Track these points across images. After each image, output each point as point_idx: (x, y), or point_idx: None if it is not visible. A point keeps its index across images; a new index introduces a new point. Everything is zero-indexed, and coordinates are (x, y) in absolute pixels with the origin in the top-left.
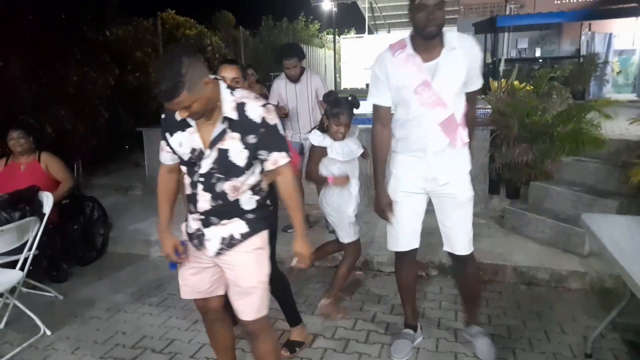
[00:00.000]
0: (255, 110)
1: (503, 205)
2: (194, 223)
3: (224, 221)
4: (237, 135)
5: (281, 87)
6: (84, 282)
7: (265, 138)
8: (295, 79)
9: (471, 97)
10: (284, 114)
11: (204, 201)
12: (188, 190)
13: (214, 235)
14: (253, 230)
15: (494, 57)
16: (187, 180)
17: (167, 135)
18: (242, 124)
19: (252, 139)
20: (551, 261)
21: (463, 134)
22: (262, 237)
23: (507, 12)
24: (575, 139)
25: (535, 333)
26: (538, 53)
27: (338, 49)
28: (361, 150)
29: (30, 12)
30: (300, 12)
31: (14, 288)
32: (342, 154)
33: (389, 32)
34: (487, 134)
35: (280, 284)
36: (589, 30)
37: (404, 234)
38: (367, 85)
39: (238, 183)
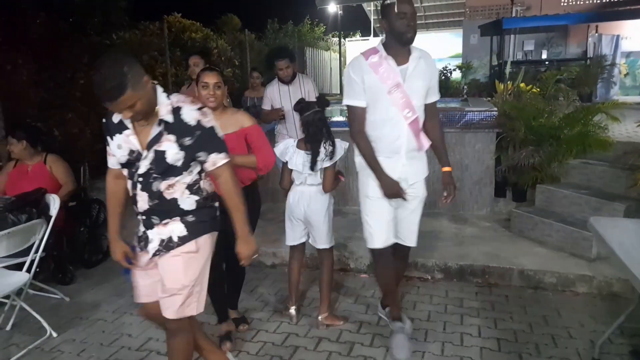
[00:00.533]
0: (191, 114)
1: (509, 209)
2: (141, 227)
3: (165, 220)
4: (172, 137)
5: (275, 91)
6: (90, 284)
7: (202, 140)
8: (287, 81)
9: (432, 109)
10: (281, 115)
11: (143, 201)
12: (130, 193)
13: (155, 236)
14: (191, 234)
15: (500, 59)
16: (128, 183)
17: (108, 138)
18: (177, 127)
19: (187, 141)
20: (558, 265)
21: (425, 139)
22: (199, 242)
23: (513, 14)
24: (582, 142)
25: (542, 338)
26: (544, 55)
27: (343, 51)
28: (327, 164)
29: (38, 16)
30: (305, 15)
31: (20, 290)
32: (302, 165)
33: None
34: (493, 137)
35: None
36: (596, 32)
37: (383, 231)
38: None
39: (173, 181)
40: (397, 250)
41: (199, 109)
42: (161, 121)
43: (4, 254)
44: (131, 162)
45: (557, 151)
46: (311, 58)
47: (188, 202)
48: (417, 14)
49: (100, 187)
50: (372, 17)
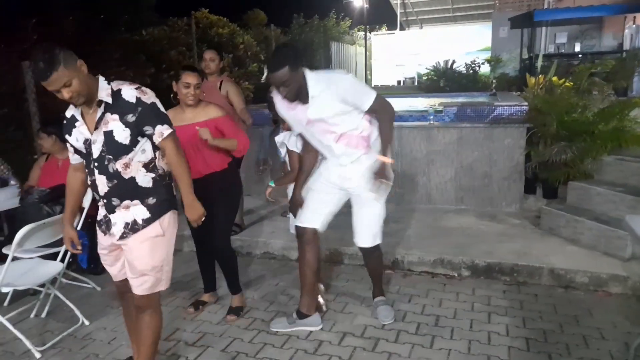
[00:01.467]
0: (130, 92)
1: (539, 206)
2: (101, 210)
3: (126, 202)
4: (116, 117)
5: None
6: None
7: (145, 115)
8: None
9: (373, 111)
10: None
11: (102, 184)
12: (89, 180)
13: (119, 219)
14: (154, 216)
15: (531, 52)
16: (88, 171)
17: (67, 136)
18: (119, 106)
19: (130, 117)
20: (590, 264)
21: (361, 144)
22: (163, 221)
23: (545, 6)
24: (617, 138)
25: (572, 338)
26: (577, 48)
27: (369, 45)
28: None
29: (70, 13)
30: (331, 9)
31: (54, 279)
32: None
33: (421, 28)
34: (523, 132)
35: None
36: (634, 23)
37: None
38: (398, 82)
39: (127, 160)
40: (361, 252)
41: (137, 88)
42: (101, 102)
43: (40, 244)
44: (88, 151)
45: (590, 147)
46: (337, 52)
47: (145, 180)
48: (446, 7)
49: None
50: (398, 11)
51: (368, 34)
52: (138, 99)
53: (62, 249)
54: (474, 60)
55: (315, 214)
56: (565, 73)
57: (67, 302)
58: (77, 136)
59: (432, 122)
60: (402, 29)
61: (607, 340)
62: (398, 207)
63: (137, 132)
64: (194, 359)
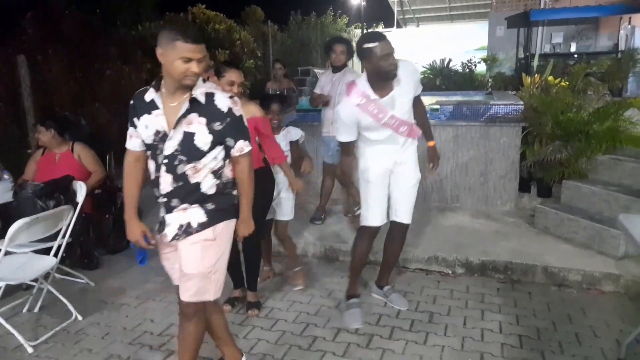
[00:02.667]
0: (223, 101)
1: (534, 204)
2: (160, 211)
3: (185, 205)
4: (203, 121)
5: (326, 78)
6: (114, 270)
7: (231, 127)
8: (338, 66)
9: (417, 99)
10: (325, 102)
11: (166, 183)
12: (152, 175)
13: (174, 221)
14: (211, 221)
15: (527, 52)
16: (151, 165)
17: (135, 119)
18: (209, 111)
19: (217, 126)
20: (584, 263)
21: (416, 130)
22: (217, 229)
23: (542, 6)
24: (612, 137)
25: (565, 336)
26: (573, 48)
27: None
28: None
29: (67, 8)
30: (328, 6)
31: (48, 274)
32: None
33: (417, 26)
34: (519, 131)
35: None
36: (629, 24)
37: (378, 211)
38: None
39: (199, 165)
40: (394, 230)
41: (230, 97)
42: (194, 99)
43: (33, 238)
44: (156, 144)
45: (585, 147)
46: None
47: (209, 186)
48: (442, 5)
49: None
50: (395, 9)
51: (365, 31)
52: (230, 109)
53: (56, 244)
54: (471, 59)
55: (383, 211)
56: (561, 73)
57: (61, 297)
58: (149, 124)
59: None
60: (398, 26)
61: (599, 338)
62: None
63: (217, 141)
64: None
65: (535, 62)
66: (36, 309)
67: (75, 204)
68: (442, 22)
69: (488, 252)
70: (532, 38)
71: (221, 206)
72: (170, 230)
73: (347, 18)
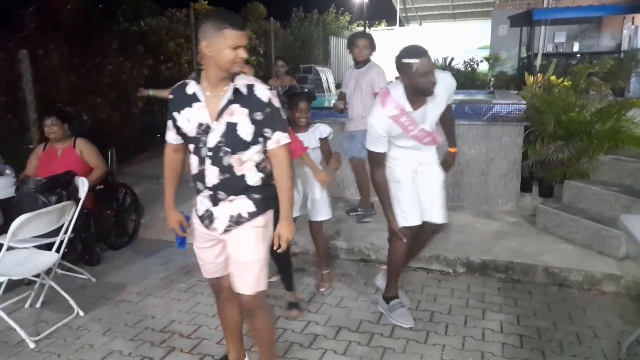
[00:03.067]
0: (263, 92)
1: (535, 204)
2: (202, 205)
3: (231, 197)
4: (245, 111)
5: (347, 74)
6: (116, 266)
7: (271, 117)
8: (358, 62)
9: (447, 106)
10: (339, 109)
11: (212, 175)
12: (195, 169)
13: (223, 213)
14: (259, 210)
15: (530, 51)
16: (194, 159)
17: (175, 113)
18: (251, 101)
19: (258, 115)
20: (585, 263)
21: (438, 137)
22: (266, 216)
23: (545, 5)
24: (614, 138)
25: (566, 336)
26: (576, 48)
27: None
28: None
29: (69, 2)
30: (331, 4)
31: (49, 269)
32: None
33: (420, 24)
34: (521, 130)
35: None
36: (632, 24)
37: (415, 210)
38: (397, 78)
39: (244, 157)
40: (427, 231)
41: (269, 89)
42: (236, 90)
43: (35, 234)
44: (199, 136)
45: (587, 146)
46: (335, 47)
47: (254, 179)
48: (445, 3)
49: (127, 171)
50: (397, 7)
51: (367, 29)
52: (269, 99)
53: (58, 239)
54: (473, 58)
55: (418, 210)
56: (564, 72)
57: (62, 292)
58: (191, 117)
59: None
60: (401, 25)
61: (600, 339)
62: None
63: (259, 132)
64: (188, 351)
65: (538, 62)
66: (38, 304)
67: (77, 200)
68: (444, 21)
69: (489, 251)
70: (534, 37)
71: (266, 195)
72: (220, 223)
73: (350, 15)
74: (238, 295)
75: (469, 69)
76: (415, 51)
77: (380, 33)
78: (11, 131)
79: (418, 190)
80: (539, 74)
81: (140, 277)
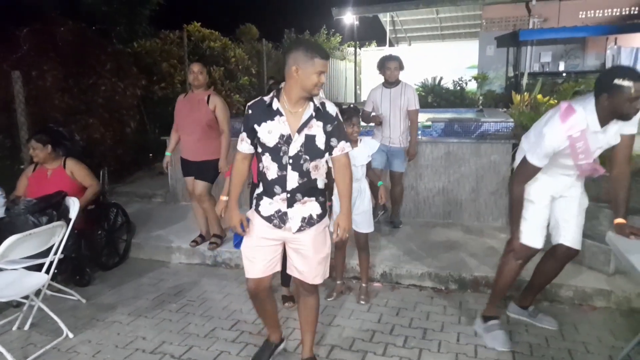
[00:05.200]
0: (332, 108)
1: None
2: (272, 206)
3: (305, 198)
4: (320, 124)
5: (377, 94)
6: (107, 286)
7: (337, 129)
8: (392, 82)
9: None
10: (378, 122)
11: (293, 180)
12: (274, 174)
13: (296, 214)
14: (324, 212)
15: (516, 70)
16: (272, 166)
17: (256, 126)
18: (324, 116)
19: (329, 127)
20: (575, 278)
21: (596, 168)
22: (327, 218)
23: (530, 26)
24: (601, 154)
25: (558, 352)
26: (562, 67)
27: (359, 61)
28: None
29: (64, 24)
30: (322, 25)
31: (39, 290)
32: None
33: (409, 45)
34: (510, 148)
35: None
36: (615, 44)
37: (541, 233)
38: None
39: (319, 163)
40: (560, 252)
41: (336, 105)
42: (317, 109)
43: (25, 254)
44: (280, 146)
45: None
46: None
47: (321, 182)
48: (434, 25)
49: (120, 191)
50: (387, 28)
51: (358, 49)
52: (337, 113)
53: (47, 260)
54: (462, 77)
55: (543, 235)
56: (550, 91)
57: (52, 314)
58: (272, 129)
59: (420, 137)
60: (391, 45)
61: (592, 354)
62: (387, 221)
63: (328, 142)
64: None
65: (525, 81)
66: (26, 327)
67: (67, 220)
68: (433, 41)
69: (480, 267)
70: (521, 57)
71: (324, 199)
72: (294, 224)
73: (341, 36)
74: (302, 284)
75: (458, 87)
76: (630, 74)
77: (370, 53)
78: (4, 151)
79: (556, 213)
80: (525, 93)
81: (131, 298)
